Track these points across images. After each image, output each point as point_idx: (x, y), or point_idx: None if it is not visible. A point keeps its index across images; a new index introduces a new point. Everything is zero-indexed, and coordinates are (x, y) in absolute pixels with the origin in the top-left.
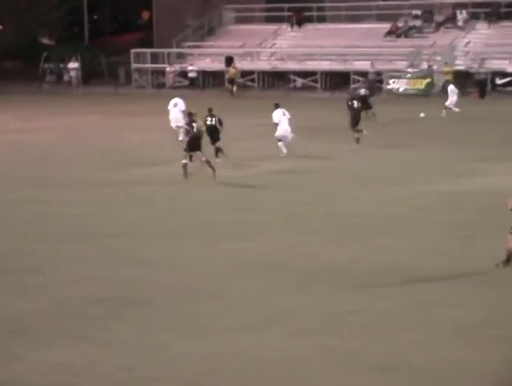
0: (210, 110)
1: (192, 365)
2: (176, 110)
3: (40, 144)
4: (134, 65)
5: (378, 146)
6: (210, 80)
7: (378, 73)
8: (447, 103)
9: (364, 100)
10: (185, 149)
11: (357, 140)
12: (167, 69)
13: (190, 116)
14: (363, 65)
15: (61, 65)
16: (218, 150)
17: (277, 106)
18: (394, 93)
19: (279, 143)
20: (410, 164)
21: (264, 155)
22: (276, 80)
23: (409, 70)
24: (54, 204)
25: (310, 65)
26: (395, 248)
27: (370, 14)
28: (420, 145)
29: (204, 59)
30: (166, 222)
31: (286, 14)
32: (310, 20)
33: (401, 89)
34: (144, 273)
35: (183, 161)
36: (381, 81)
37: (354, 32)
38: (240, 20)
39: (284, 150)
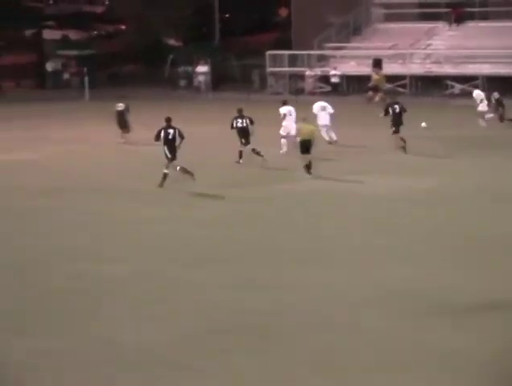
0: (240, 111)
1: None
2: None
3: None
4: (269, 69)
5: None
6: (355, 85)
7: None
8: None
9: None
10: (167, 158)
11: None
12: (307, 73)
13: (168, 121)
14: None
15: (190, 68)
16: (256, 153)
17: (284, 103)
18: None
19: (282, 140)
20: None
21: (403, 169)
22: (430, 85)
23: None
24: (173, 223)
25: (470, 69)
26: None
27: None
28: None
29: (349, 62)
30: (290, 244)
31: (443, 10)
32: (471, 17)
33: None
34: (269, 302)
35: (165, 170)
36: None
37: None
38: (390, 18)
39: (285, 148)
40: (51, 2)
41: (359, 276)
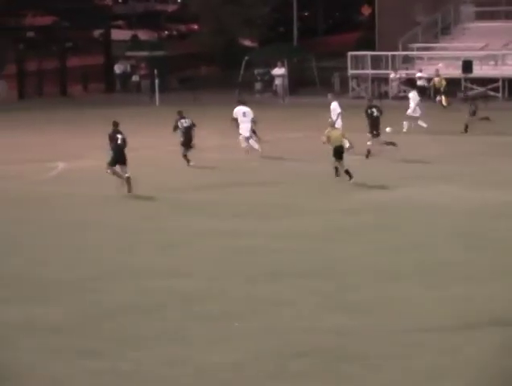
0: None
1: None
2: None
3: (237, 164)
4: (351, 71)
5: None
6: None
7: None
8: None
9: None
10: (109, 163)
11: None
12: (391, 76)
13: (115, 126)
14: None
15: (266, 71)
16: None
17: (241, 103)
18: None
19: (244, 141)
20: None
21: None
22: None
23: None
24: (252, 237)
25: None
26: None
27: None
28: None
29: (436, 63)
30: (380, 259)
31: None
32: None
33: None
34: (355, 322)
35: (108, 170)
36: None
37: None
38: (481, 16)
39: (244, 145)
40: (120, 0)
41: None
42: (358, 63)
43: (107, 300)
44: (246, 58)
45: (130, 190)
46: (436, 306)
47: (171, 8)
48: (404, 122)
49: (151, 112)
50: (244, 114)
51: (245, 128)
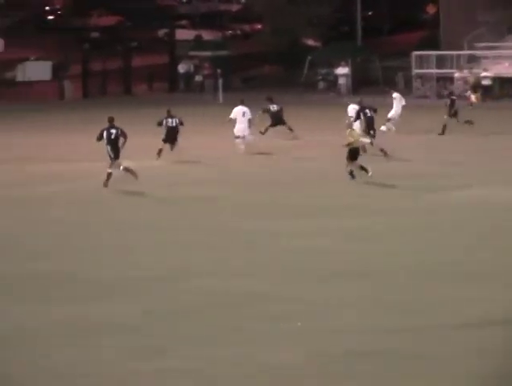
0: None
1: None
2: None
3: (306, 164)
4: (415, 70)
5: None
6: (509, 88)
7: None
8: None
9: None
10: (110, 158)
11: None
12: (456, 75)
13: (111, 121)
14: None
15: (329, 70)
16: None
17: (241, 102)
18: None
19: (237, 140)
20: None
21: None
22: None
23: None
24: (320, 236)
25: None
26: None
27: None
28: None
29: (503, 63)
30: (450, 259)
31: None
32: None
33: None
34: (417, 323)
35: (108, 170)
36: None
37: None
38: None
39: (242, 147)
40: (184, 0)
41: None
42: (423, 62)
43: (171, 299)
44: (309, 57)
45: (135, 176)
46: (494, 306)
47: (234, 8)
48: (384, 125)
49: (215, 112)
50: (243, 114)
51: (241, 128)
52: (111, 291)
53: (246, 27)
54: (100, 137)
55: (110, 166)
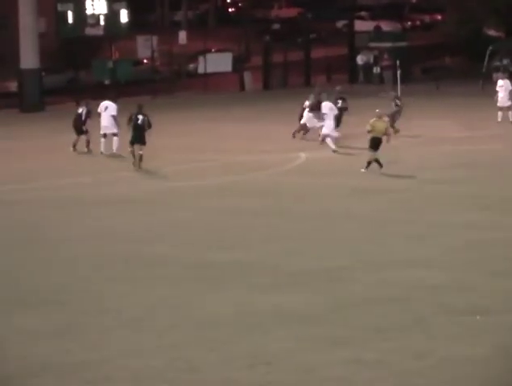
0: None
1: None
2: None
3: (489, 156)
4: None
5: None
6: None
7: None
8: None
9: None
10: (131, 141)
11: None
12: None
13: (139, 108)
14: None
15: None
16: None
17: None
18: None
19: (327, 140)
20: None
21: None
22: None
23: None
24: (495, 230)
25: None
26: None
27: None
28: None
29: None
30: None
31: None
32: None
33: None
34: None
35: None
36: None
37: None
38: None
39: (333, 146)
40: None
41: None
42: None
43: (352, 290)
44: (490, 48)
45: (136, 165)
46: None
47: None
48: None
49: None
50: (331, 109)
51: (328, 125)
52: (288, 280)
53: (426, 18)
54: (129, 121)
55: (131, 148)
